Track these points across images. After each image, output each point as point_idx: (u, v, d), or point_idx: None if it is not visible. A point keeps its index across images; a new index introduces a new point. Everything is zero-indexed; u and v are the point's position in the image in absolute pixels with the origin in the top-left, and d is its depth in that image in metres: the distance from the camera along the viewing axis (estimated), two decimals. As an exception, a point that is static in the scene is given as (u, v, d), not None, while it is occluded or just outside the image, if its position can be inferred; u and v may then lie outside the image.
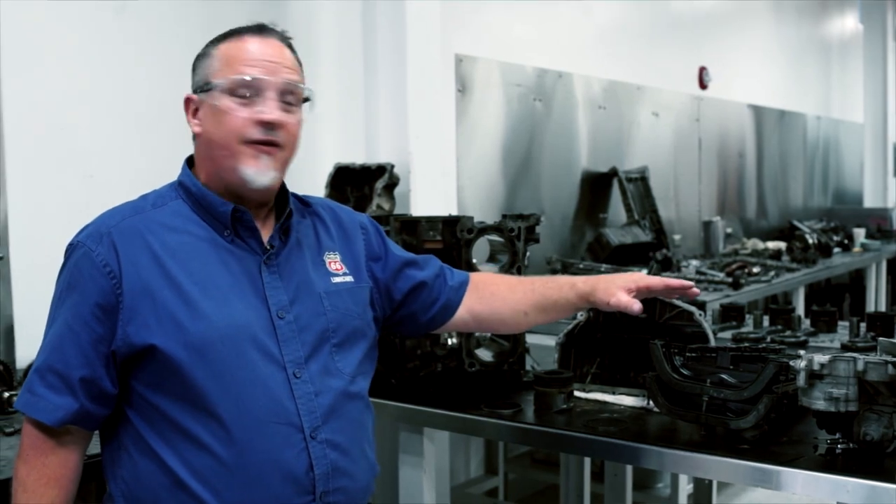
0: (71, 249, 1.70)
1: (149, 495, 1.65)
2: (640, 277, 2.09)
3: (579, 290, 2.07)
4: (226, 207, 1.73)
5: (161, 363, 1.62)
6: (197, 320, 1.64)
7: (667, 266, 5.56)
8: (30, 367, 2.64)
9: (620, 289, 2.02)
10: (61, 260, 1.73)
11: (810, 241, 7.13)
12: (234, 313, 1.67)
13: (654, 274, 5.02)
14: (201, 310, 1.65)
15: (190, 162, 1.84)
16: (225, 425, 1.62)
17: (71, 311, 1.65)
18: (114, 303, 1.63)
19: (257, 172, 1.72)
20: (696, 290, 2.10)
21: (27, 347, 2.94)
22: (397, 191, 3.90)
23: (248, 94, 1.71)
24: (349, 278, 1.88)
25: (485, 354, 2.65)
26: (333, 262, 1.88)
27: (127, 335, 1.63)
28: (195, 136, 1.80)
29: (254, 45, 1.75)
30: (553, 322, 2.23)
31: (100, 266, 1.64)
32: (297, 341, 1.72)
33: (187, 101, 1.77)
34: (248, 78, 1.70)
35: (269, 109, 1.71)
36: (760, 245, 6.93)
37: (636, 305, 2.01)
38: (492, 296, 2.13)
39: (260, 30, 1.79)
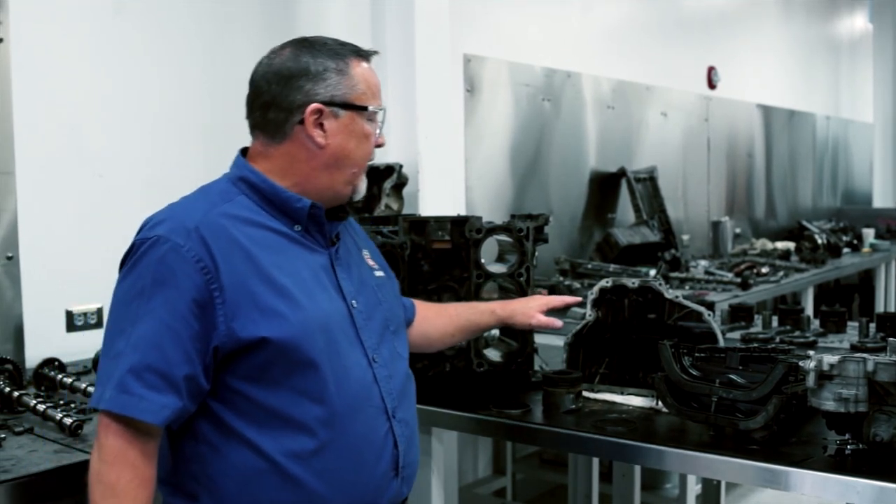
0: (147, 244, 1.65)
1: (240, 488, 1.66)
2: (548, 299, 2.33)
3: (498, 315, 2.29)
4: (302, 203, 1.78)
5: (268, 354, 1.65)
6: (296, 311, 1.68)
7: (675, 266, 5.55)
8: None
9: (537, 310, 2.28)
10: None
11: (819, 241, 7.11)
12: (321, 303, 1.74)
13: (663, 274, 5.04)
14: (297, 301, 1.69)
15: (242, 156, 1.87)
16: (325, 410, 1.69)
17: (165, 308, 1.61)
18: (208, 298, 1.63)
19: (364, 186, 1.89)
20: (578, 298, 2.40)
21: (36, 347, 2.95)
22: (406, 191, 3.90)
23: (375, 121, 1.85)
24: (382, 274, 2.00)
25: (493, 354, 2.65)
26: (368, 258, 2.00)
27: (232, 330, 1.64)
28: (284, 140, 1.79)
29: (374, 72, 1.87)
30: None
31: (192, 261, 1.63)
32: (369, 328, 1.82)
33: (316, 110, 1.76)
34: (383, 110, 1.86)
35: (383, 136, 1.88)
36: (769, 245, 6.91)
37: (558, 323, 2.28)
38: (423, 319, 2.26)
39: (370, 57, 1.87)
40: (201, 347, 1.63)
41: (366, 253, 2.00)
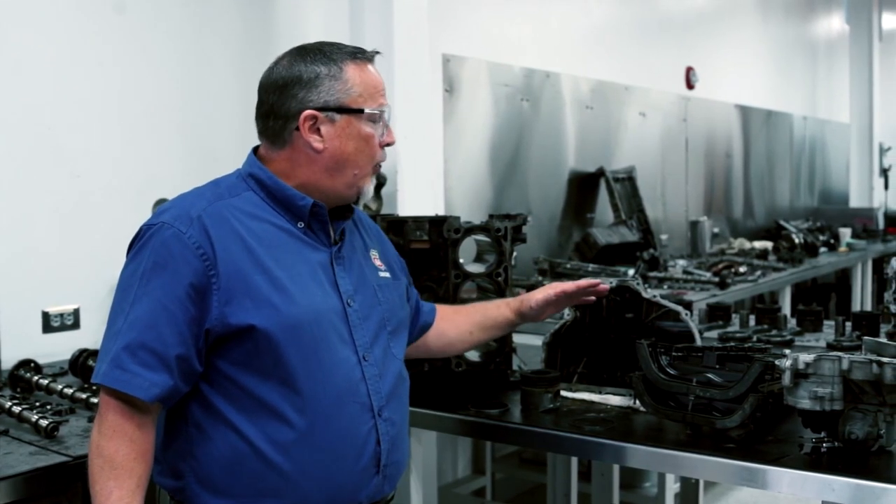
0: (153, 230, 1.72)
1: (223, 471, 1.72)
2: (558, 285, 2.34)
3: (511, 305, 2.34)
4: (305, 201, 1.83)
5: (256, 342, 1.70)
6: (289, 304, 1.73)
7: (654, 266, 5.57)
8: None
9: (540, 293, 2.31)
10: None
11: (797, 240, 7.15)
12: (315, 299, 1.78)
13: (641, 274, 5.06)
14: (291, 294, 1.74)
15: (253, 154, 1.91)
16: (308, 402, 1.73)
17: (163, 291, 1.67)
18: (205, 284, 1.69)
19: (371, 189, 1.91)
20: (603, 286, 2.37)
21: (12, 349, 2.93)
22: (384, 191, 3.89)
23: (377, 121, 1.86)
24: (388, 275, 2.02)
25: (472, 354, 2.65)
26: (376, 258, 2.02)
27: (224, 315, 1.70)
28: (285, 146, 1.83)
29: (375, 73, 1.87)
30: (493, 339, 2.45)
31: (192, 247, 1.69)
32: (363, 328, 1.85)
33: (311, 116, 1.79)
34: (386, 109, 1.87)
35: (391, 134, 1.90)
36: (747, 245, 6.95)
37: (556, 289, 2.31)
38: (440, 318, 2.30)
39: (372, 57, 1.88)
40: (196, 330, 1.69)
41: (374, 253, 2.02)
